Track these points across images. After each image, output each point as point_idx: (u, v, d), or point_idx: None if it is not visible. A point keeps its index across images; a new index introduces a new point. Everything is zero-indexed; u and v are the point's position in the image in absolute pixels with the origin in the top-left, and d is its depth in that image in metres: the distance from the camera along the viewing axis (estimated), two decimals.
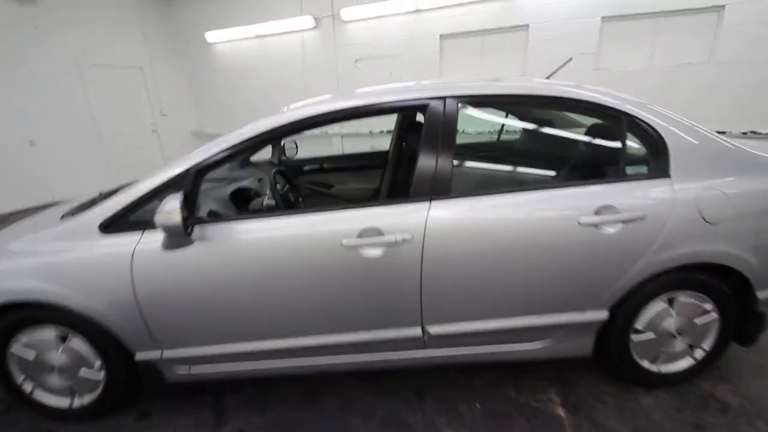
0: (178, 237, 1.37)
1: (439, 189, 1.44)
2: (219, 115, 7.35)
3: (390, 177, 2.91)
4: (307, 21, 5.98)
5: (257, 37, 6.59)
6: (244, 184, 2.12)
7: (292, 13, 6.03)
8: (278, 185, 2.17)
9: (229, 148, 1.45)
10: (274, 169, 1.89)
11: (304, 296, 1.46)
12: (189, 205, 1.35)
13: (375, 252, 1.41)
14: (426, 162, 1.45)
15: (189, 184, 1.39)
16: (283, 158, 2.99)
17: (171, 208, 1.23)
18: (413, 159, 2.41)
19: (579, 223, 1.42)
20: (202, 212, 1.61)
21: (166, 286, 1.42)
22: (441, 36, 5.29)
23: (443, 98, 1.47)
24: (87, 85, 6.06)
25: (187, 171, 1.41)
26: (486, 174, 1.79)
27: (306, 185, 2.96)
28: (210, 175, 1.53)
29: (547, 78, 2.01)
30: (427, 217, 1.41)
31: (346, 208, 1.45)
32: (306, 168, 2.98)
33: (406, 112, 1.55)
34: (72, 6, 5.81)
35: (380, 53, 5.71)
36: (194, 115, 7.79)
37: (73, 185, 5.62)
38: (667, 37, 4.39)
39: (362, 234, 1.40)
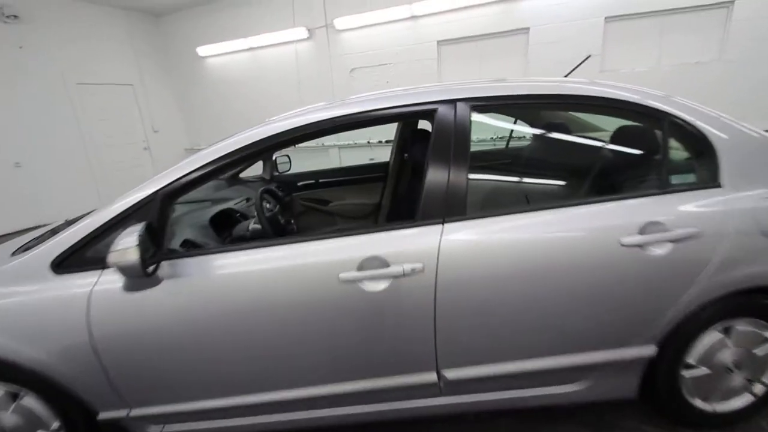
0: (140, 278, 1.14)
1: (453, 208, 1.22)
2: (212, 129, 7.17)
3: (391, 191, 2.70)
4: (300, 32, 5.83)
5: (250, 49, 6.44)
6: (230, 205, 1.90)
7: (285, 25, 5.89)
8: (268, 205, 1.95)
9: (203, 167, 1.23)
10: (261, 189, 1.67)
11: (296, 341, 1.23)
12: (155, 238, 1.13)
13: (379, 286, 1.18)
14: (436, 177, 1.23)
15: (155, 211, 1.17)
16: (276, 173, 2.77)
17: (126, 245, 1.00)
18: (417, 171, 2.20)
19: (621, 245, 1.19)
20: (176, 242, 1.39)
21: (129, 334, 1.19)
22: (438, 42, 5.12)
23: (453, 102, 1.26)
24: (75, 104, 5.88)
25: (153, 196, 1.19)
26: (507, 189, 1.57)
27: (300, 202, 2.74)
28: (191, 195, 1.31)
29: (566, 76, 1.81)
30: (440, 242, 1.18)
31: (344, 235, 1.22)
32: (300, 184, 2.76)
33: (410, 119, 1.33)
34: (59, 23, 5.67)
35: (376, 62, 5.55)
36: (187, 131, 7.61)
37: (62, 207, 5.40)
38: (674, 35, 4.22)
39: (363, 265, 1.17)
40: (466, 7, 4.80)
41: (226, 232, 1.62)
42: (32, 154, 5.42)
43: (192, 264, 1.20)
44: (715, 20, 4.05)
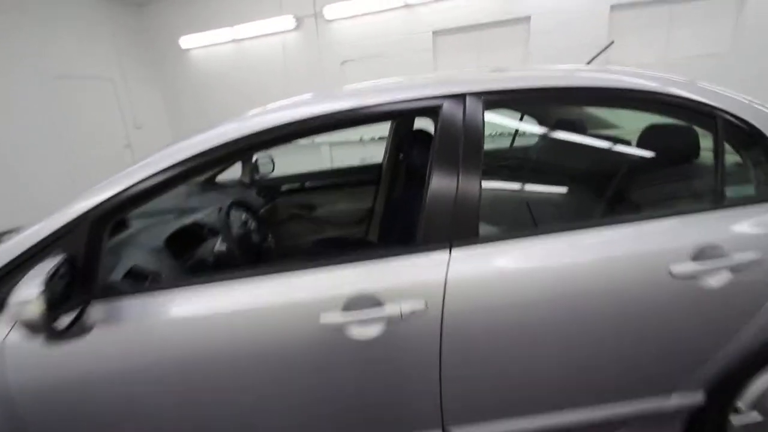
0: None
1: (463, 230, 0.97)
2: (197, 125, 6.73)
3: (385, 195, 2.44)
4: (287, 21, 5.52)
5: (234, 41, 6.12)
6: (197, 218, 1.63)
7: (272, 13, 5.57)
8: (243, 216, 1.69)
9: (152, 178, 0.97)
10: (230, 201, 1.41)
11: (264, 401, 0.98)
12: (83, 274, 0.88)
13: (370, 331, 0.93)
14: (440, 190, 0.98)
15: (82, 241, 0.91)
16: (257, 177, 2.50)
17: (26, 297, 0.74)
18: (413, 175, 1.94)
19: (670, 274, 0.96)
20: (119, 271, 1.13)
21: (54, 397, 0.93)
22: (434, 32, 4.85)
23: (461, 96, 1.01)
24: (50, 99, 5.53)
25: (80, 220, 0.93)
26: (529, 204, 1.30)
27: (284, 208, 2.48)
28: (148, 206, 1.05)
29: (588, 63, 1.57)
30: (446, 273, 0.94)
31: (325, 265, 0.97)
32: (284, 188, 2.49)
33: (407, 117, 1.07)
34: (32, 12, 5.30)
35: (368, 53, 5.26)
36: (171, 126, 7.28)
37: (36, 208, 5.07)
38: (683, 25, 3.99)
39: (350, 305, 0.93)
40: None
41: (189, 253, 1.36)
42: (5, 150, 5.08)
43: (131, 305, 0.95)
44: (728, 10, 3.82)
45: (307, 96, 1.13)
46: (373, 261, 0.97)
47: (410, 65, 5.05)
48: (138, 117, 6.65)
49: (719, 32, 3.89)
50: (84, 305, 0.88)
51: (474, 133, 0.99)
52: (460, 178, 0.97)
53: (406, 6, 4.83)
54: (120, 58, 6.39)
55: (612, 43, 1.83)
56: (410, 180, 1.76)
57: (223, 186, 2.35)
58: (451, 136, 0.99)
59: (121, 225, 1.44)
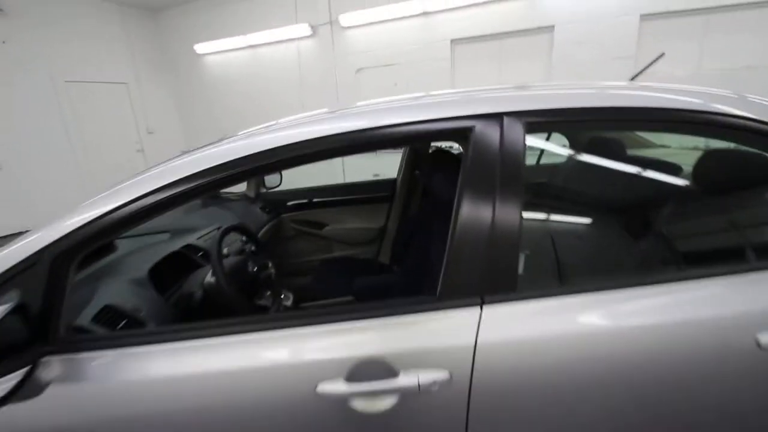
0: None
1: (498, 281, 0.79)
2: (210, 131, 6.78)
3: (399, 214, 2.27)
4: (302, 29, 5.43)
5: (250, 47, 6.06)
6: (194, 239, 1.48)
7: (287, 21, 5.49)
8: (239, 242, 1.53)
9: (129, 205, 0.81)
10: (223, 228, 1.24)
11: None
12: (37, 323, 0.73)
13: (380, 404, 0.76)
14: (470, 229, 0.80)
15: (41, 282, 0.75)
16: (263, 190, 2.36)
17: None
18: (431, 201, 1.76)
19: (758, 345, 0.76)
20: (91, 310, 0.97)
21: None
22: (452, 41, 4.69)
23: (498, 116, 0.83)
24: (63, 103, 5.53)
25: (37, 257, 0.78)
26: (578, 249, 1.05)
27: (291, 225, 2.33)
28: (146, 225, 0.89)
29: (632, 79, 1.38)
30: (476, 337, 0.76)
31: (325, 320, 0.80)
32: (291, 203, 2.34)
33: (434, 140, 0.89)
34: (48, 18, 5.32)
35: (384, 62, 5.13)
36: (184, 132, 7.25)
37: (48, 211, 5.03)
38: (719, 36, 3.75)
39: (355, 372, 0.75)
40: (483, 3, 4.36)
41: (176, 285, 1.21)
42: (16, 155, 5.08)
43: (92, 362, 0.79)
44: None
45: (303, 115, 0.98)
46: (385, 318, 0.79)
47: (427, 74, 4.90)
48: (151, 122, 6.64)
49: (757, 43, 3.64)
50: (35, 362, 0.72)
51: (513, 160, 0.81)
52: (495, 216, 0.79)
53: (424, 14, 4.69)
54: (134, 63, 6.39)
55: (662, 54, 1.64)
56: (429, 206, 1.59)
57: (227, 200, 2.21)
58: (485, 165, 0.81)
59: (106, 248, 1.30)
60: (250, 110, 6.30)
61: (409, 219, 2.15)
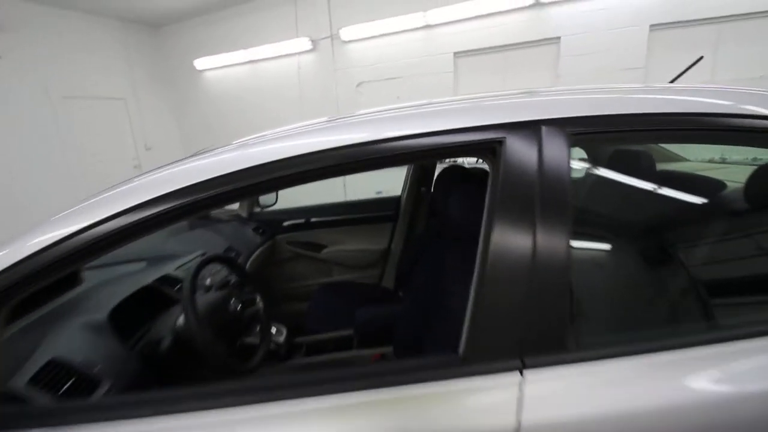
0: None
1: (543, 338, 0.61)
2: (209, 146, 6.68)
3: (403, 235, 2.10)
4: (303, 43, 5.36)
5: (250, 62, 6.00)
6: (172, 269, 1.30)
7: (287, 36, 5.43)
8: (220, 275, 1.35)
9: (59, 243, 0.64)
10: (200, 260, 1.06)
11: None
12: None
13: None
14: (503, 267, 0.62)
15: None
16: (257, 209, 2.20)
17: None
18: (441, 219, 1.59)
19: None
20: (32, 366, 0.79)
21: None
22: (455, 54, 4.59)
23: (535, 125, 0.66)
24: (59, 119, 5.43)
25: None
26: (646, 290, 0.81)
27: (287, 247, 2.15)
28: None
29: (672, 82, 1.22)
30: (519, 414, 0.57)
31: (319, 391, 0.62)
32: (287, 224, 2.17)
33: (450, 156, 0.72)
34: (47, 33, 5.26)
35: (385, 76, 5.03)
36: (183, 148, 7.14)
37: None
38: (732, 46, 3.63)
39: None
40: (487, 15, 4.27)
41: (143, 329, 1.02)
42: (10, 170, 4.95)
43: None
44: None
45: (323, 119, 0.81)
46: (393, 389, 0.60)
47: (429, 88, 4.79)
48: (149, 138, 6.54)
49: None
50: None
51: (556, 180, 0.64)
52: (536, 250, 0.61)
53: (426, 27, 4.61)
54: (133, 79, 6.33)
55: (701, 58, 1.48)
56: (441, 228, 1.41)
57: (217, 220, 2.04)
58: (520, 186, 0.64)
59: (69, 280, 1.12)
60: (249, 126, 6.20)
61: (416, 240, 1.98)
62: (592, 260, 0.78)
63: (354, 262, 2.15)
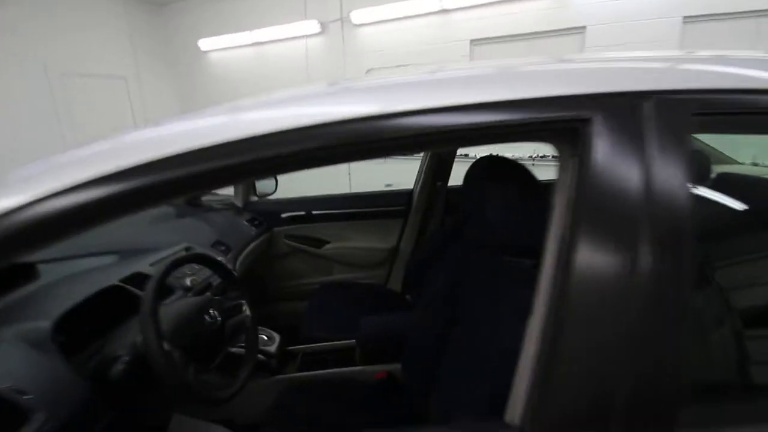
0: None
1: (648, 402, 0.41)
2: None
3: (415, 233, 1.90)
4: (311, 26, 5.13)
5: (255, 44, 5.78)
6: (143, 268, 1.09)
7: (295, 18, 5.20)
8: (190, 279, 1.16)
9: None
10: (168, 263, 0.86)
11: None
12: None
13: None
14: (591, 303, 0.42)
15: None
16: (253, 198, 2.00)
17: None
18: (460, 219, 1.40)
19: None
20: None
21: None
22: (472, 41, 4.35)
23: (638, 99, 0.46)
24: (57, 97, 5.25)
25: None
26: None
27: (284, 241, 1.96)
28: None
29: None
30: None
31: None
32: (285, 215, 1.98)
33: (512, 140, 0.52)
34: (44, 9, 5.05)
35: (396, 62, 4.79)
36: None
37: None
38: None
39: None
40: (507, 1, 4.03)
41: (96, 344, 0.83)
42: (5, 149, 4.78)
43: None
44: None
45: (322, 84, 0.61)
46: None
47: None
48: (150, 118, 6.34)
49: None
50: None
51: (673, 179, 0.44)
52: (645, 280, 0.42)
53: (442, 11, 4.36)
54: (135, 58, 6.13)
55: None
56: (463, 232, 1.21)
57: (210, 208, 1.85)
58: (616, 188, 0.44)
59: (24, 275, 0.92)
60: None
61: (430, 240, 1.78)
62: (733, 298, 0.58)
63: (358, 261, 1.96)
